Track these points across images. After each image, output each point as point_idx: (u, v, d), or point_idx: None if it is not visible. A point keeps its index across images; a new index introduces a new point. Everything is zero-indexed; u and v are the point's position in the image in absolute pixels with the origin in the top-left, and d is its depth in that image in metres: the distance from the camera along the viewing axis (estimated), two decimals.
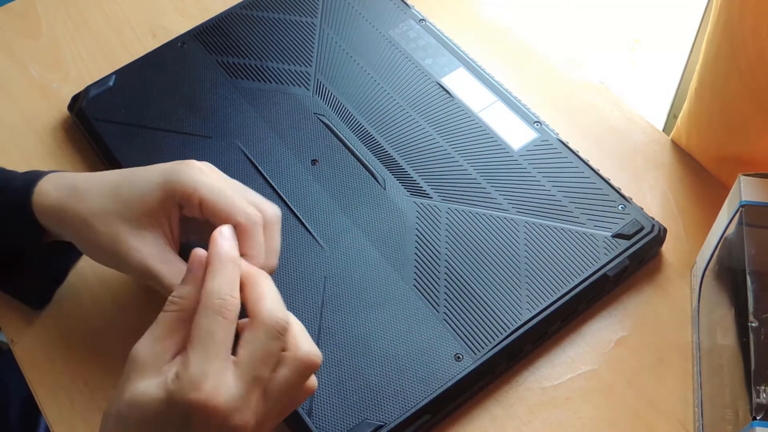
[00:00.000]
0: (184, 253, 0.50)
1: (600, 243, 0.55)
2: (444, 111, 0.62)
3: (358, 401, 0.50)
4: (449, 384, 0.50)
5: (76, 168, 0.64)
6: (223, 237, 0.43)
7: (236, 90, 0.65)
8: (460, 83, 0.64)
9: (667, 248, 0.58)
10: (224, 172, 0.60)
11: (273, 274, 0.46)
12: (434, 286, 0.54)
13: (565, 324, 0.54)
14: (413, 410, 0.49)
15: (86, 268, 0.59)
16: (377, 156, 0.60)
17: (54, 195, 0.50)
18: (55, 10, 0.75)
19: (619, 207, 0.56)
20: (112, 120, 0.64)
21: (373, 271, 0.55)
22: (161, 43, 0.69)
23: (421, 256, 0.55)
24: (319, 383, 0.50)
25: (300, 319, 0.53)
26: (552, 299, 0.53)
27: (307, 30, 0.69)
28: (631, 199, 0.57)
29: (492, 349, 0.51)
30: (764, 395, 0.41)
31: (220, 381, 0.38)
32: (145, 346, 0.40)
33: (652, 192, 0.61)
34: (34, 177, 0.52)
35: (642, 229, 0.55)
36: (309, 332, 0.52)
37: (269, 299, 0.42)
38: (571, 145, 0.60)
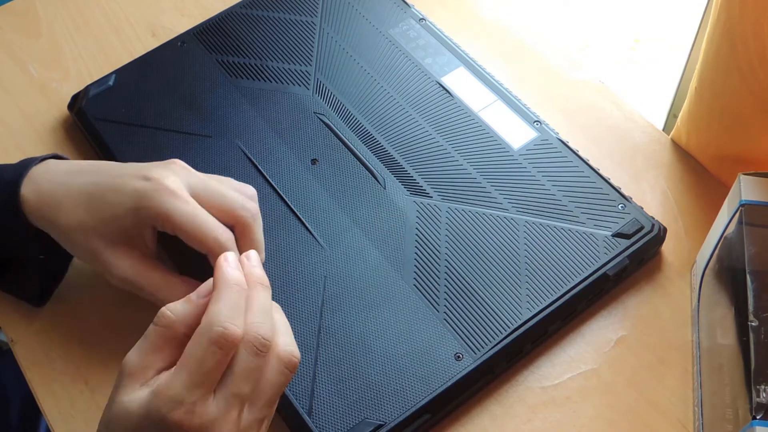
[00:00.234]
0: (185, 260, 0.50)
1: (600, 242, 0.55)
2: (444, 110, 0.62)
3: (358, 400, 0.50)
4: (449, 383, 0.50)
5: None
6: (228, 264, 0.43)
7: (236, 89, 0.65)
8: (460, 82, 0.64)
9: (667, 248, 0.58)
10: (224, 171, 0.60)
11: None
12: (434, 286, 0.54)
13: (565, 323, 0.54)
14: (413, 410, 0.49)
15: (86, 266, 0.58)
16: (377, 155, 0.60)
17: (33, 201, 0.51)
18: (55, 10, 0.75)
19: (619, 206, 0.56)
20: (112, 119, 0.64)
21: (373, 270, 0.55)
22: (161, 42, 0.69)
23: (421, 256, 0.55)
24: (319, 382, 0.50)
25: (300, 319, 0.53)
26: (552, 298, 0.53)
27: (307, 29, 0.69)
28: (631, 198, 0.57)
29: (492, 348, 0.51)
30: (764, 394, 0.41)
31: (198, 405, 0.38)
32: (132, 358, 0.40)
33: (652, 191, 0.61)
34: (18, 176, 0.51)
35: (642, 228, 0.55)
36: (309, 332, 0.53)
37: (254, 312, 0.42)
38: (571, 144, 0.60)
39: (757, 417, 0.41)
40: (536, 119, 0.61)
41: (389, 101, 0.63)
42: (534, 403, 0.52)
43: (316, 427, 0.49)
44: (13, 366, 0.56)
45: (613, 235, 0.55)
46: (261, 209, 0.52)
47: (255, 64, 0.67)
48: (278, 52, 0.67)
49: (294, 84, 0.65)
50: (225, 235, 0.49)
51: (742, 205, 0.48)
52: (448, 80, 0.64)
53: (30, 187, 0.51)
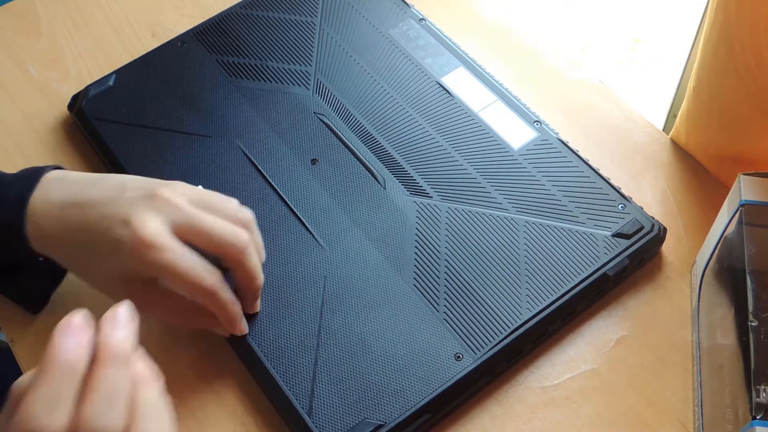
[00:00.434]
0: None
1: (600, 242, 0.55)
2: (444, 110, 0.62)
3: (358, 400, 0.50)
4: (449, 383, 0.50)
5: (77, 168, 0.64)
6: (64, 334, 0.35)
7: (236, 89, 0.65)
8: (459, 82, 0.64)
9: (667, 248, 0.58)
10: (224, 171, 0.60)
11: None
12: (434, 286, 0.54)
13: (565, 323, 0.54)
14: (413, 410, 0.49)
15: None
16: (377, 155, 0.60)
17: (35, 236, 0.50)
18: (55, 10, 0.75)
19: (619, 206, 0.56)
20: (112, 119, 0.64)
21: (373, 270, 0.55)
22: (161, 42, 0.69)
23: (421, 256, 0.55)
24: (319, 382, 0.50)
25: (300, 319, 0.53)
26: (552, 299, 0.53)
27: (307, 29, 0.69)
28: (631, 198, 0.57)
29: (492, 348, 0.51)
30: (764, 394, 0.41)
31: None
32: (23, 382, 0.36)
33: (651, 191, 0.61)
34: (20, 207, 0.50)
35: (642, 228, 0.55)
36: (309, 332, 0.53)
37: (92, 399, 0.34)
38: (570, 144, 0.60)
39: (757, 417, 0.41)
40: (536, 119, 0.61)
41: (389, 101, 0.63)
42: (534, 403, 0.52)
43: (316, 427, 0.49)
44: (12, 363, 0.56)
45: (613, 235, 0.55)
46: (261, 209, 0.52)
47: (255, 65, 0.67)
48: (278, 52, 0.67)
49: (294, 84, 0.65)
50: (210, 279, 0.48)
51: (742, 205, 0.48)
52: (448, 80, 0.64)
53: (32, 224, 0.50)
